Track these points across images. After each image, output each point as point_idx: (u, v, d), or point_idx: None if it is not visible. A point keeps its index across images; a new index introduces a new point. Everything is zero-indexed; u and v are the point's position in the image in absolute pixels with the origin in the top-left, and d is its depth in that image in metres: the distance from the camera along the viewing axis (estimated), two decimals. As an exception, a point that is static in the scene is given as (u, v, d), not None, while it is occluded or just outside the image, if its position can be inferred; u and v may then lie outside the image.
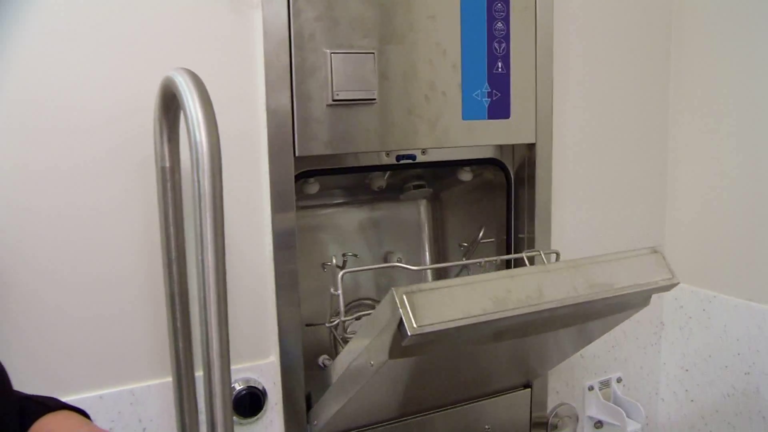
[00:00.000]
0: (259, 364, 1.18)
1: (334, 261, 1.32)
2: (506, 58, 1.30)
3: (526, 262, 1.19)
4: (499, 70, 1.30)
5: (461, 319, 0.94)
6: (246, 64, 1.11)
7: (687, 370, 1.57)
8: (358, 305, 1.50)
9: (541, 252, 1.21)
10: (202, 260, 0.84)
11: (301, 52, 1.13)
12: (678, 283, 1.13)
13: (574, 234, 1.48)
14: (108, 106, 1.02)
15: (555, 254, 1.25)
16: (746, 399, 1.47)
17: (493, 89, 1.29)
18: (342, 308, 1.20)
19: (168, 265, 1.02)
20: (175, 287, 1.03)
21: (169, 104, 0.94)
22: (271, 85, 1.12)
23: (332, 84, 1.14)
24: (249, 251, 1.15)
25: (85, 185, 1.03)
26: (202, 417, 1.12)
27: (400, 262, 1.54)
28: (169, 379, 1.11)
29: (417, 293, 0.92)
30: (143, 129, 1.03)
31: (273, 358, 1.19)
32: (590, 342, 1.30)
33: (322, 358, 1.49)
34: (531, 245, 1.41)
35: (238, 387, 1.18)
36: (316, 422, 1.22)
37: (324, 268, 1.36)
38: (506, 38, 1.29)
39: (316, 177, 1.30)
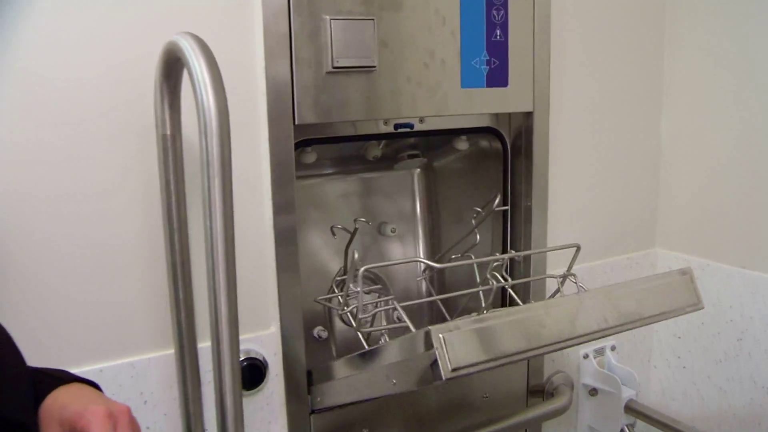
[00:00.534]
0: (260, 335, 1.17)
1: (341, 227, 1.31)
2: (504, 26, 1.29)
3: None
4: (498, 37, 1.29)
5: (495, 359, 0.94)
6: (244, 30, 1.09)
7: (679, 338, 1.59)
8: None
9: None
10: (211, 227, 0.83)
11: (300, 19, 1.11)
12: (703, 308, 1.13)
13: (570, 204, 1.49)
14: (103, 73, 1.00)
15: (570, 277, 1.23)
16: (737, 365, 1.49)
17: (491, 57, 1.28)
18: (361, 304, 1.18)
19: (170, 235, 1.00)
20: (176, 257, 1.01)
21: (171, 70, 0.92)
22: (270, 52, 1.10)
23: (332, 51, 1.13)
24: (249, 220, 1.14)
25: (82, 155, 1.00)
26: (205, 388, 1.11)
27: (394, 233, 1.53)
28: (170, 351, 1.10)
29: (454, 333, 0.90)
30: (141, 96, 1.01)
31: (274, 329, 1.19)
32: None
33: (317, 330, 1.48)
34: (528, 215, 1.41)
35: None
36: (319, 399, 1.22)
37: (334, 234, 1.33)
38: (504, 5, 1.28)
39: (313, 146, 1.29)
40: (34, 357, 0.97)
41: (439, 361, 0.88)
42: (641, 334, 1.64)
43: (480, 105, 1.30)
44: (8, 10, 0.93)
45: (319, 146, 1.32)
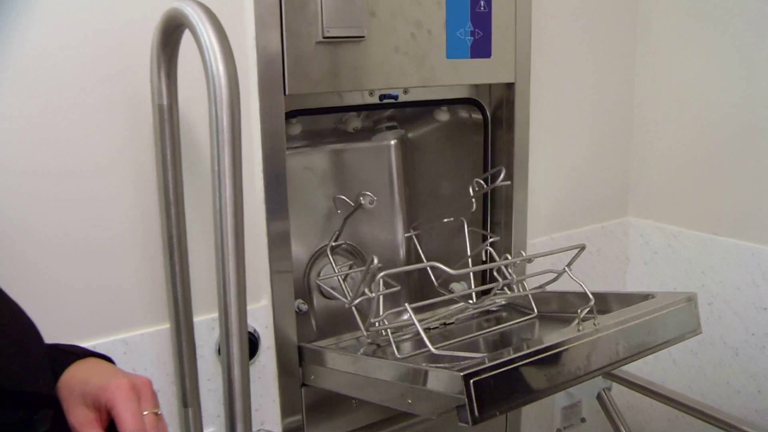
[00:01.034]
0: (252, 309, 1.16)
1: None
2: (488, -3, 1.30)
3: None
4: (482, 8, 1.29)
5: (517, 401, 0.96)
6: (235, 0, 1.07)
7: (653, 303, 1.64)
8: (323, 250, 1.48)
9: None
10: (219, 197, 0.82)
11: (290, -12, 1.09)
12: (701, 333, 1.17)
13: (548, 174, 1.51)
14: (91, 41, 0.97)
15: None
16: (708, 327, 1.54)
17: (475, 28, 1.29)
18: (381, 311, 1.19)
19: (166, 207, 0.99)
20: (173, 231, 1.00)
21: (169, 37, 0.90)
22: (261, 22, 1.08)
23: (322, 21, 1.12)
24: (240, 193, 1.13)
25: (70, 128, 0.97)
26: (200, 362, 1.11)
27: (372, 204, 1.53)
28: (163, 326, 1.09)
29: (482, 378, 0.91)
30: (129, 67, 0.99)
31: (265, 302, 1.18)
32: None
33: (298, 303, 1.48)
34: (509, 187, 1.42)
35: (230, 332, 1.16)
36: (313, 377, 1.22)
37: (337, 208, 1.31)
38: (487, -24, 1.29)
39: (299, 117, 1.28)
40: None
41: (467, 408, 0.89)
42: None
43: (464, 76, 1.30)
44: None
45: (302, 118, 1.31)
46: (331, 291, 1.31)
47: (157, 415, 0.72)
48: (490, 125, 1.44)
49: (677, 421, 1.64)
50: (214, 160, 0.81)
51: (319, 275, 1.48)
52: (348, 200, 1.27)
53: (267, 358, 1.20)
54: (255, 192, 1.14)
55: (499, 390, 0.93)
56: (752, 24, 1.39)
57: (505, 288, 1.35)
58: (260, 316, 1.18)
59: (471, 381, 0.89)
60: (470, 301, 1.40)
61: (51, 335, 0.99)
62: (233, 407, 0.91)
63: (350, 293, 1.32)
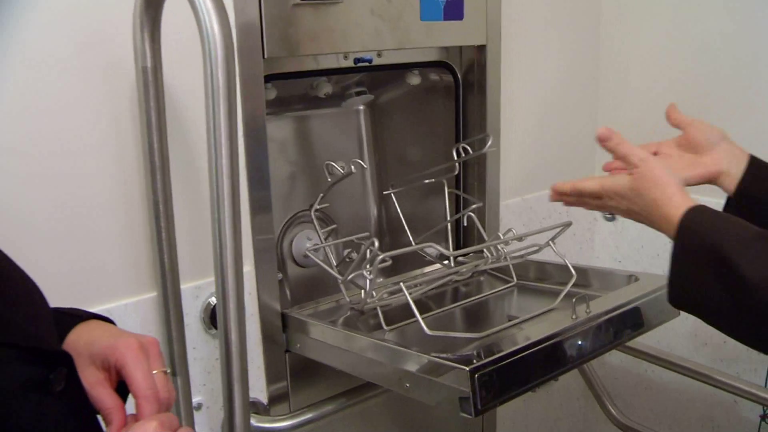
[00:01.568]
0: (235, 275, 1.16)
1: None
2: (460, -42, 1.30)
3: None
4: (454, -30, 1.29)
5: (516, 391, 0.98)
6: (210, -41, 1.05)
7: (620, 262, 1.68)
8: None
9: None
10: (215, 158, 0.81)
11: (266, -52, 1.08)
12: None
13: (520, 136, 1.53)
14: (67, 4, 0.94)
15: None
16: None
17: (448, -10, 1.29)
18: (373, 293, 1.19)
19: (152, 172, 0.97)
20: (159, 196, 0.98)
21: (152, -3, 0.88)
22: (238, -17, 1.07)
23: (299, -18, 1.11)
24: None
25: (47, 92, 0.94)
26: (186, 331, 1.09)
27: (344, 169, 1.52)
28: (148, 295, 1.07)
29: (486, 370, 0.92)
30: (106, 28, 0.96)
31: (249, 268, 1.17)
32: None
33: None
34: (482, 148, 1.43)
35: (214, 300, 1.15)
36: (299, 345, 1.22)
37: (329, 176, 1.31)
38: (458, -64, 1.29)
39: (273, 82, 1.27)
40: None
41: (471, 400, 0.91)
42: (583, 262, 1.71)
43: (438, 38, 1.31)
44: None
45: (275, 82, 1.29)
46: (321, 263, 1.30)
47: (166, 374, 0.71)
48: (461, 88, 1.45)
49: (646, 375, 1.69)
50: (210, 121, 0.79)
51: (291, 244, 1.47)
52: (336, 166, 1.26)
53: (251, 325, 1.19)
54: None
55: (501, 382, 0.95)
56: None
57: (486, 253, 1.36)
58: (244, 282, 1.17)
59: (476, 375, 0.91)
60: (451, 266, 1.41)
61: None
62: (230, 372, 0.91)
63: (334, 261, 1.32)
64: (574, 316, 1.07)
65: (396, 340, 1.16)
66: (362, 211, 1.58)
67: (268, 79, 1.23)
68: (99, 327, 0.73)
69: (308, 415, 1.21)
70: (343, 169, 1.27)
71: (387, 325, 1.20)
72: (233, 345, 0.89)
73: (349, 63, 1.30)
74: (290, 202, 1.45)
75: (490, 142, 1.34)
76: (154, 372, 0.70)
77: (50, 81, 0.94)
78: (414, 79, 1.45)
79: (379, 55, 1.33)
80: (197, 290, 1.12)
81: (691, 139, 1.04)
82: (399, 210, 1.42)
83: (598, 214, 1.71)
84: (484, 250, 1.35)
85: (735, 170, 1.00)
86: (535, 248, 1.28)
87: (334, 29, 1.17)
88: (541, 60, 1.55)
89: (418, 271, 1.47)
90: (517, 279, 1.38)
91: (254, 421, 1.16)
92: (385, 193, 1.47)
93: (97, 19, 0.96)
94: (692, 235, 0.85)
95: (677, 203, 0.89)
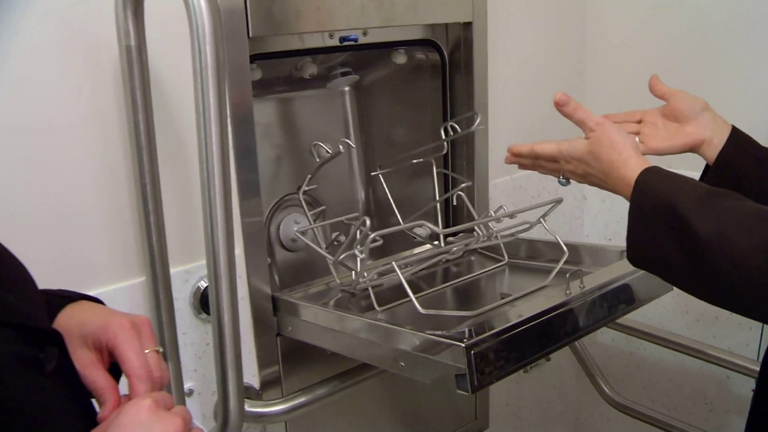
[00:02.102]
0: (225, 259, 1.14)
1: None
2: (444, -67, 1.28)
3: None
4: (439, -55, 1.28)
5: (512, 368, 0.98)
6: (192, -64, 1.03)
7: (610, 240, 1.68)
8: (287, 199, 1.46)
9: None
10: (205, 136, 0.80)
11: (250, -75, 1.05)
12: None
13: (508, 114, 1.51)
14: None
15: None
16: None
17: (434, -35, 1.28)
18: (365, 273, 1.18)
19: (138, 154, 0.95)
20: (146, 178, 0.96)
21: (135, -26, 0.86)
22: (221, -40, 1.04)
23: (284, -42, 1.08)
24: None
25: (26, 74, 0.92)
26: (178, 315, 1.08)
27: (329, 153, 1.51)
28: (136, 280, 1.05)
29: (482, 346, 0.92)
30: (92, 6, 0.94)
31: (238, 251, 1.15)
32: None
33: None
34: (470, 126, 1.42)
35: (203, 283, 1.13)
36: (290, 329, 1.21)
37: (317, 157, 1.29)
38: None
39: (258, 62, 1.24)
40: None
41: (468, 378, 0.91)
42: (573, 240, 1.71)
43: (424, 15, 1.29)
44: None
45: (260, 62, 1.27)
46: (311, 244, 1.28)
47: (158, 353, 0.70)
48: (448, 67, 1.43)
49: (638, 353, 1.70)
50: (198, 98, 0.78)
51: (279, 228, 1.45)
52: (325, 146, 1.24)
53: (242, 309, 1.17)
54: (223, 139, 1.10)
55: (497, 358, 0.95)
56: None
57: (477, 231, 1.35)
58: (234, 266, 1.16)
59: (472, 352, 0.91)
60: (442, 246, 1.41)
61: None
62: (224, 357, 0.90)
63: (323, 243, 1.31)
64: (568, 292, 1.07)
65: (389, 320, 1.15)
66: (349, 194, 1.56)
67: (253, 59, 1.21)
68: (90, 307, 0.71)
69: (301, 399, 1.20)
70: (330, 150, 1.26)
71: (379, 306, 1.19)
72: (226, 329, 0.88)
73: (335, 42, 1.28)
74: (276, 186, 1.43)
75: (478, 120, 1.32)
76: (147, 351, 0.69)
77: (31, 63, 0.91)
78: (400, 58, 1.43)
79: (364, 34, 1.31)
80: (187, 274, 1.11)
81: (674, 108, 1.06)
82: (387, 191, 1.40)
83: (587, 193, 1.70)
84: (475, 228, 1.34)
85: (717, 139, 1.02)
86: (526, 225, 1.27)
87: (320, 7, 1.15)
88: (528, 36, 1.54)
89: (407, 252, 1.46)
90: (509, 257, 1.38)
91: (247, 406, 1.15)
92: (372, 174, 1.45)
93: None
94: (647, 195, 0.89)
95: (633, 165, 0.92)
